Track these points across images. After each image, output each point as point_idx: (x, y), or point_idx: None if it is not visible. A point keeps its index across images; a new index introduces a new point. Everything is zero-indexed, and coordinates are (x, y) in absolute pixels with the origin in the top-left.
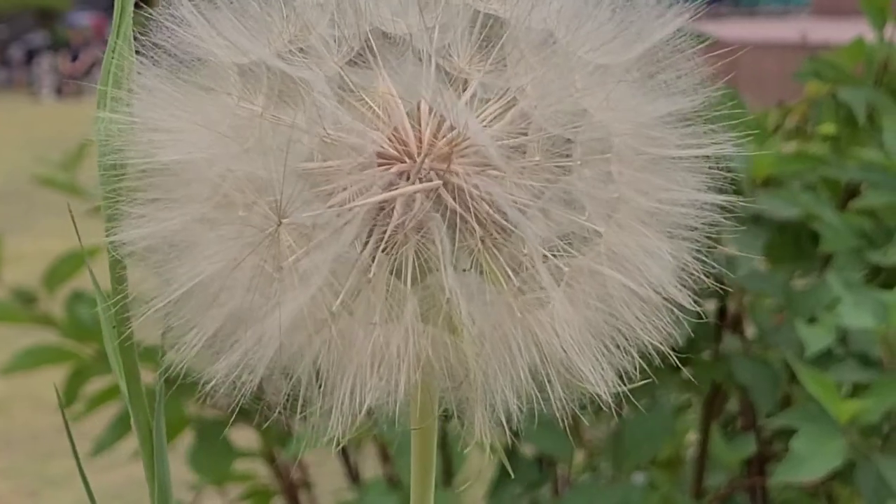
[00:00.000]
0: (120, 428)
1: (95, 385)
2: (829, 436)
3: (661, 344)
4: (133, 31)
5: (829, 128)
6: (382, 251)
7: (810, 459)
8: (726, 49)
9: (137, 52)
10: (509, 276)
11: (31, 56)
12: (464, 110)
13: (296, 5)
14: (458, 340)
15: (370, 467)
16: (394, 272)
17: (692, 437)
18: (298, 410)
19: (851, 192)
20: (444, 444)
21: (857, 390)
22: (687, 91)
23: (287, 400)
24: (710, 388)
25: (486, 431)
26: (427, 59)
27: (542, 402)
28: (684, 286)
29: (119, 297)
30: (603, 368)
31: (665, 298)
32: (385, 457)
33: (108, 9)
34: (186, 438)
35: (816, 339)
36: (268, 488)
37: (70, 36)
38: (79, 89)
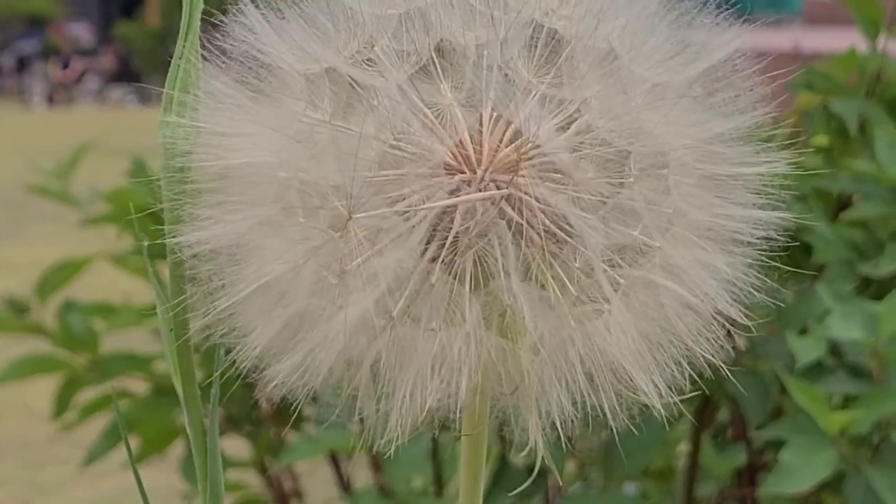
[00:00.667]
0: (112, 437)
1: (88, 394)
2: (818, 447)
3: (713, 357)
4: (200, 36)
5: (821, 139)
6: (446, 257)
7: (800, 470)
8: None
9: (204, 58)
10: (567, 286)
11: (22, 64)
12: (536, 117)
13: (363, 18)
14: (516, 347)
15: (362, 476)
16: (456, 277)
17: (683, 447)
18: (356, 412)
19: (843, 203)
20: (435, 454)
21: (847, 401)
22: (744, 110)
23: (346, 401)
24: (701, 399)
25: (539, 438)
26: (494, 69)
27: (595, 411)
28: (736, 301)
29: (179, 299)
30: (656, 379)
31: (717, 312)
32: (377, 466)
33: (101, 20)
34: (178, 449)
35: (807, 350)
36: (259, 498)
37: (61, 44)
38: (70, 97)
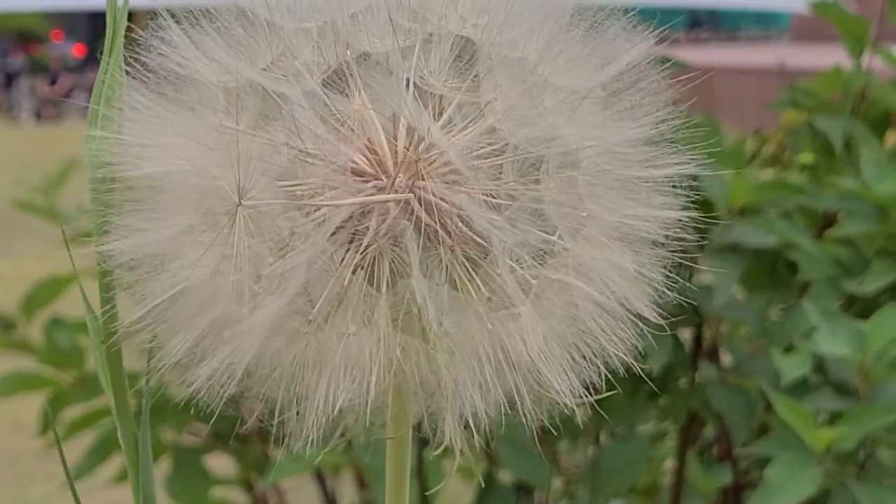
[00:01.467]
0: (99, 453)
1: (74, 410)
2: (804, 464)
3: (625, 356)
4: (123, 52)
5: (806, 157)
6: (357, 258)
7: (785, 487)
8: (702, 73)
9: (127, 73)
10: (479, 287)
11: (10, 80)
12: (429, 119)
13: (279, 31)
14: (430, 348)
15: (347, 493)
16: (367, 280)
17: (669, 464)
18: (276, 415)
19: (828, 220)
20: (420, 472)
21: (832, 418)
22: (653, 113)
23: (265, 405)
24: (687, 417)
25: (456, 438)
26: (401, 76)
27: (511, 412)
28: (650, 301)
29: (107, 308)
30: (569, 378)
31: (629, 311)
32: (361, 483)
33: (90, 36)
34: (164, 465)
35: (792, 367)
36: None
37: (49, 60)
38: (58, 113)
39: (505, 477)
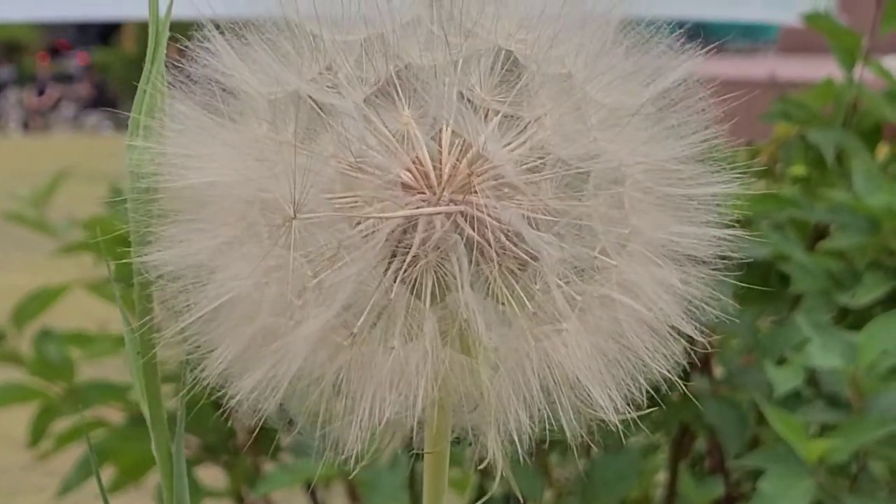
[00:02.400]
0: (88, 467)
1: (64, 423)
2: (796, 476)
3: (668, 372)
4: (166, 61)
5: (799, 169)
6: (405, 273)
7: (778, 499)
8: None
9: (170, 84)
10: (524, 302)
11: None
12: (483, 130)
13: (324, 43)
14: (474, 362)
15: None
16: (414, 293)
17: (661, 477)
18: (319, 426)
19: (820, 232)
20: (412, 483)
21: (825, 431)
22: (697, 131)
23: (308, 416)
24: (679, 429)
25: (499, 453)
26: (451, 89)
27: (553, 426)
28: (691, 318)
29: (145, 320)
30: (613, 394)
31: (672, 328)
32: (353, 496)
33: (78, 47)
34: (154, 476)
35: (785, 379)
36: None
37: (37, 70)
38: (46, 124)
39: (496, 488)
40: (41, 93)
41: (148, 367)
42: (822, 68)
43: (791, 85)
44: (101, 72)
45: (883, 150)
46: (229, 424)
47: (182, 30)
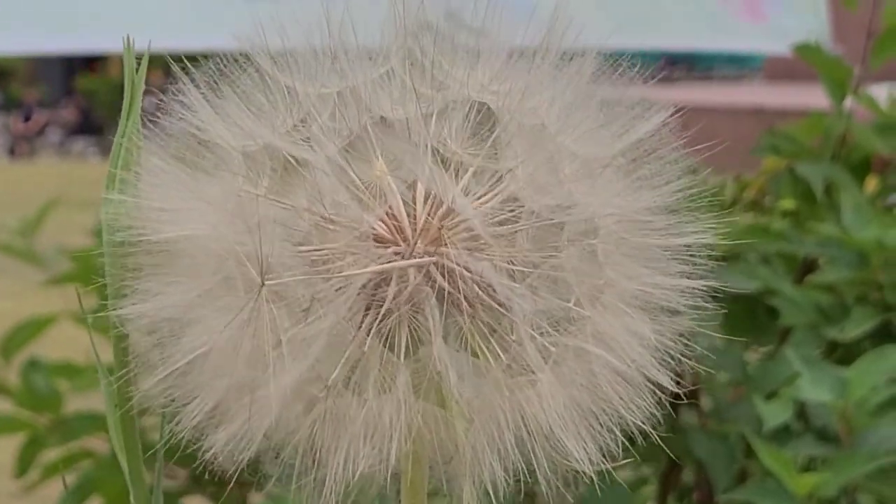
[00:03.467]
0: (75, 497)
1: (52, 453)
2: None
3: (643, 423)
4: (141, 115)
5: (788, 202)
6: (377, 324)
7: None
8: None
9: (145, 136)
10: (498, 354)
11: None
12: (452, 185)
13: (298, 96)
14: (448, 414)
15: None
16: (387, 345)
17: None
18: (294, 480)
19: (809, 266)
20: None
21: (814, 464)
22: (671, 181)
23: (282, 469)
24: (667, 462)
25: None
26: (422, 142)
27: (528, 477)
28: (665, 368)
29: (122, 372)
30: (587, 445)
31: (647, 379)
32: None
33: (64, 72)
34: None
35: (775, 414)
36: None
37: (23, 96)
38: (31, 150)
39: None
40: (27, 119)
41: (125, 418)
42: (808, 96)
43: (777, 112)
44: (87, 97)
45: (872, 183)
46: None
47: (158, 83)
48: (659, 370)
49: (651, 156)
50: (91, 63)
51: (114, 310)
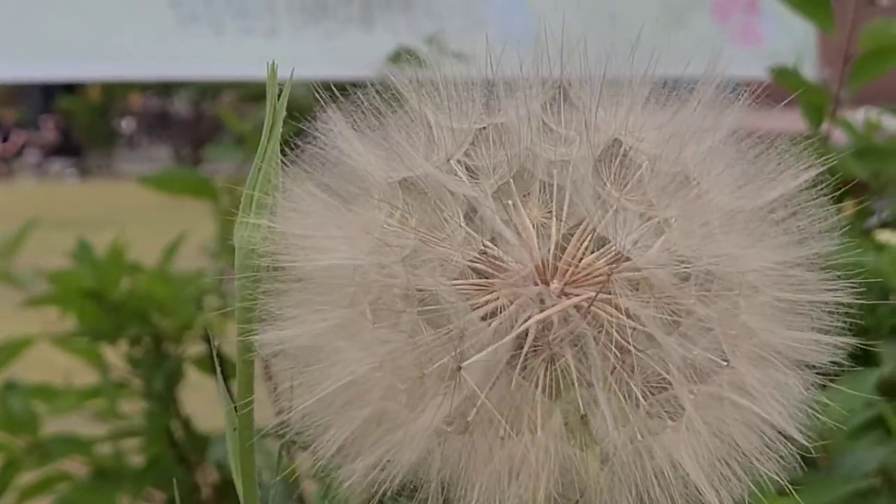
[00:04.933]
0: None
1: (28, 476)
2: None
3: (776, 475)
4: (282, 139)
5: None
6: (526, 364)
7: None
8: None
9: (286, 162)
10: (642, 398)
11: None
12: (622, 231)
13: (445, 130)
14: (586, 455)
15: None
16: (536, 384)
17: None
18: None
19: None
20: None
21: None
22: (814, 237)
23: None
24: None
25: None
26: (581, 184)
27: None
28: (800, 422)
29: (247, 401)
30: (722, 494)
31: (780, 432)
32: None
33: (42, 92)
34: None
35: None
36: None
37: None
38: (9, 170)
39: None
40: (5, 139)
41: (244, 446)
42: (789, 119)
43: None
44: (65, 118)
45: (850, 208)
46: (194, 479)
47: (298, 108)
48: (792, 423)
49: (797, 210)
50: (69, 85)
51: (248, 335)
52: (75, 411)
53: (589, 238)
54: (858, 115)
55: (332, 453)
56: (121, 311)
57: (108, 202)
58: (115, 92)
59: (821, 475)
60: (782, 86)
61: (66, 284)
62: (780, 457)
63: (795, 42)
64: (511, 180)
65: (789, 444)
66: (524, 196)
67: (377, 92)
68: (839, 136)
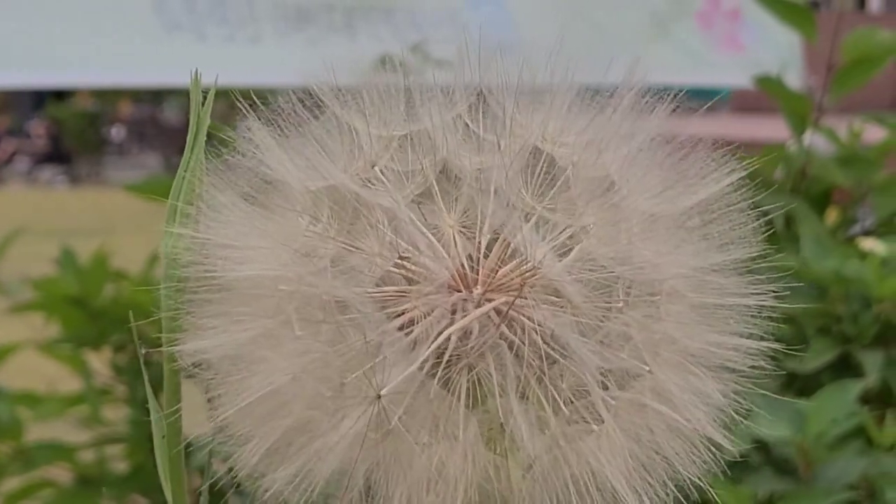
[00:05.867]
0: None
1: (12, 483)
2: None
3: (698, 479)
4: (205, 150)
5: None
6: (444, 373)
7: None
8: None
9: (209, 171)
10: (561, 406)
11: None
12: (537, 241)
13: (367, 139)
14: (508, 464)
15: None
16: (453, 393)
17: None
18: None
19: None
20: None
21: (773, 499)
22: (735, 242)
23: None
24: None
25: None
26: (495, 192)
27: None
28: (723, 427)
29: (174, 408)
30: (644, 501)
31: (705, 437)
32: None
33: (33, 99)
34: None
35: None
36: None
37: None
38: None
39: None
40: None
41: (173, 455)
42: (774, 128)
43: (742, 144)
44: (55, 125)
45: (832, 215)
46: None
47: (221, 118)
48: (716, 428)
49: (717, 215)
50: (60, 92)
51: (172, 345)
52: (59, 418)
53: (507, 247)
54: (843, 124)
55: (255, 462)
56: (104, 317)
57: (98, 210)
58: (104, 99)
59: (803, 486)
60: (766, 92)
61: (49, 291)
62: (704, 462)
63: (780, 51)
64: (431, 188)
65: (714, 450)
66: (442, 205)
67: (299, 100)
68: (823, 145)
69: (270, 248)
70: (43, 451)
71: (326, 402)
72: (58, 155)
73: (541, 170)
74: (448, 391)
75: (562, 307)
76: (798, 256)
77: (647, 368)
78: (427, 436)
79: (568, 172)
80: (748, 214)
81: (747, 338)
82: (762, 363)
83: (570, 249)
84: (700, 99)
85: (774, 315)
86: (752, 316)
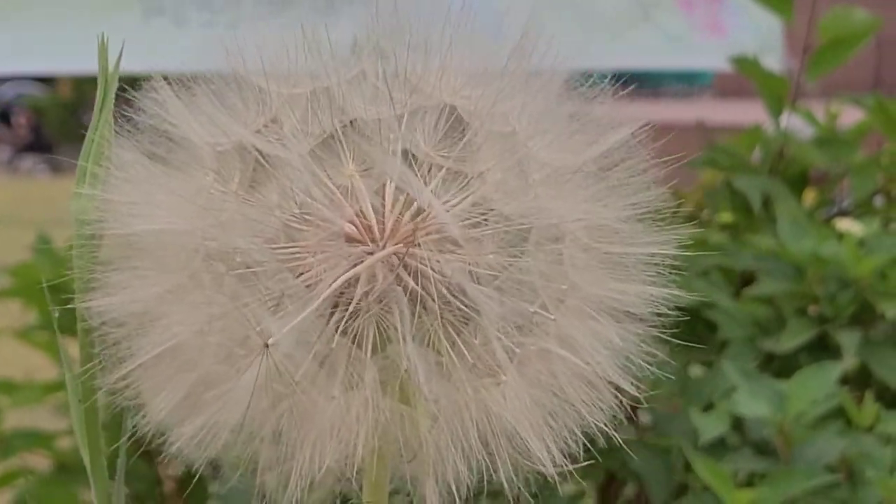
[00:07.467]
0: None
1: None
2: None
3: (604, 425)
4: (113, 111)
5: (726, 216)
6: (346, 322)
7: None
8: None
9: (117, 132)
10: (464, 354)
11: None
12: (426, 190)
13: (270, 95)
14: (413, 412)
15: None
16: (355, 343)
17: None
18: (258, 474)
19: (746, 279)
20: None
21: (752, 479)
22: (639, 189)
23: (247, 464)
24: (605, 476)
25: (437, 503)
26: (394, 143)
27: (491, 476)
28: (628, 373)
29: (88, 367)
30: (549, 446)
31: (609, 382)
32: None
33: None
34: None
35: (710, 427)
36: None
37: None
38: None
39: None
40: None
41: (89, 413)
42: (758, 111)
43: (725, 129)
44: (36, 114)
45: (810, 197)
46: (157, 472)
47: (129, 81)
48: (621, 374)
49: (620, 164)
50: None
51: (81, 303)
52: (37, 405)
53: (401, 197)
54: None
55: (161, 418)
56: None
57: None
58: (85, 88)
59: (782, 467)
60: (744, 74)
61: (25, 278)
62: (610, 408)
63: (761, 34)
64: (332, 141)
65: (618, 396)
66: (342, 157)
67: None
68: (801, 126)
69: (175, 204)
70: (21, 439)
71: (231, 355)
72: (39, 144)
73: (442, 121)
74: (351, 341)
75: (460, 255)
76: (776, 237)
77: (550, 315)
78: (330, 384)
79: (467, 122)
80: (651, 163)
81: (650, 285)
82: (666, 310)
83: (468, 197)
84: (682, 82)
85: (677, 263)
86: (654, 264)
